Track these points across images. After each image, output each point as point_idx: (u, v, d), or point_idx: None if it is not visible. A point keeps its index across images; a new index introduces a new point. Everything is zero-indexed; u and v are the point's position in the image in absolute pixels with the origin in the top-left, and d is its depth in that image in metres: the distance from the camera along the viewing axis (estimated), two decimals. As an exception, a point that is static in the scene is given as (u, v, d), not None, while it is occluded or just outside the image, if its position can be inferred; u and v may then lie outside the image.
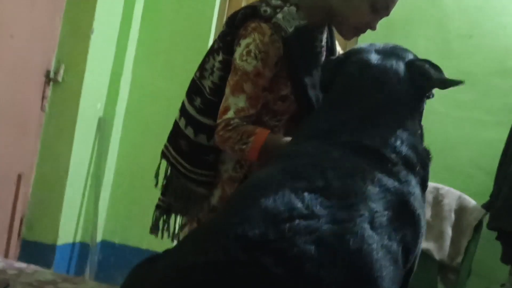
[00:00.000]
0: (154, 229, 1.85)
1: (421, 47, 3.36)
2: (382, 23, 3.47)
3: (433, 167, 3.37)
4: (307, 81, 1.57)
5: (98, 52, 3.35)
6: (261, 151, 1.48)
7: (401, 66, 1.34)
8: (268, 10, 1.54)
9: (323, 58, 1.69)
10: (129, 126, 3.71)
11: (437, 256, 2.88)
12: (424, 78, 1.36)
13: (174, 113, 3.65)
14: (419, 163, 1.22)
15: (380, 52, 1.37)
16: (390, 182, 1.09)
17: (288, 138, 1.51)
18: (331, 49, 1.75)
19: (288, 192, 0.96)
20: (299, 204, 0.93)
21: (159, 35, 3.77)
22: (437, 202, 3.02)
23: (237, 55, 1.55)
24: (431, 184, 3.12)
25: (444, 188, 3.05)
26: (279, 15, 1.53)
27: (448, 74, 3.36)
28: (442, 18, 3.36)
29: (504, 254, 2.77)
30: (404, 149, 1.18)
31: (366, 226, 0.95)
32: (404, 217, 1.07)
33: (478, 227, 2.93)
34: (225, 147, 1.55)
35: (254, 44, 1.52)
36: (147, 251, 3.53)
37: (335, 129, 1.19)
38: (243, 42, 1.54)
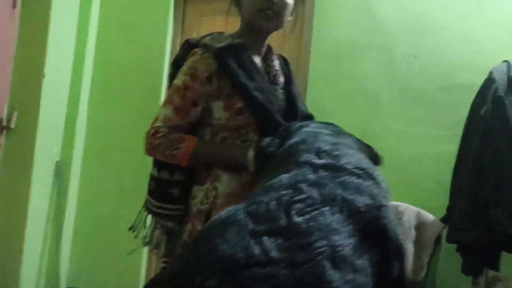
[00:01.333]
0: None
1: (368, 69, 3.47)
2: (330, 48, 3.60)
3: (391, 184, 3.45)
4: (248, 83, 1.62)
5: (51, 96, 3.32)
6: (192, 154, 1.59)
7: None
8: (197, 38, 1.70)
9: (281, 79, 1.76)
10: (88, 168, 3.67)
11: (401, 273, 2.92)
12: None
13: (133, 152, 3.65)
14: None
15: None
16: (361, 201, 1.10)
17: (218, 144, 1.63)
18: (289, 76, 1.81)
19: (247, 236, 0.95)
20: (257, 250, 0.92)
21: (113, 74, 3.78)
22: (397, 219, 3.08)
23: None
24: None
25: (403, 205, 3.11)
26: (207, 38, 1.68)
27: (397, 93, 3.50)
28: (387, 40, 3.47)
29: (464, 266, 2.83)
30: (375, 168, 1.26)
31: (327, 264, 0.94)
32: (373, 235, 1.07)
33: (438, 241, 2.99)
34: (156, 153, 1.64)
35: (186, 65, 1.66)
36: (112, 294, 3.48)
37: (310, 157, 1.22)
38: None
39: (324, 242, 0.97)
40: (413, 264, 2.95)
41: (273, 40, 1.84)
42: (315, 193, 1.08)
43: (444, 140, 3.28)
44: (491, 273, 2.86)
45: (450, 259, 2.98)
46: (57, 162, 3.45)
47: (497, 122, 2.74)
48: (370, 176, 1.19)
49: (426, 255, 2.95)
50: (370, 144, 3.43)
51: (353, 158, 1.23)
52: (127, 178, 3.66)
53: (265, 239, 0.94)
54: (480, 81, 2.96)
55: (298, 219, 1.00)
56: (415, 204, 3.14)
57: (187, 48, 1.71)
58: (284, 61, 1.85)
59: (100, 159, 3.70)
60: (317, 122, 1.48)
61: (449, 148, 3.11)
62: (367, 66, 3.49)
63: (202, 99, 1.63)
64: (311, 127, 1.39)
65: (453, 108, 3.29)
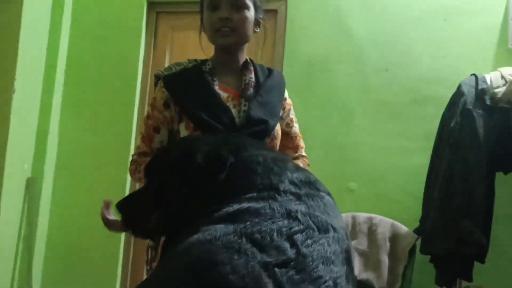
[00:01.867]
0: None
1: (341, 82, 3.51)
2: (303, 62, 3.63)
3: (366, 196, 3.48)
4: (191, 103, 1.69)
5: (22, 111, 3.27)
6: None
7: None
8: (157, 71, 1.86)
9: (250, 92, 1.77)
10: (59, 185, 3.62)
11: (377, 285, 2.94)
12: None
13: (105, 168, 3.63)
14: None
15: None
16: (342, 227, 1.13)
17: None
18: (258, 85, 1.82)
19: (258, 268, 0.90)
20: (270, 284, 0.88)
21: (85, 89, 3.74)
22: (372, 232, 3.10)
23: None
24: (364, 215, 3.24)
25: (377, 218, 3.14)
26: (161, 70, 1.84)
27: (369, 106, 3.54)
28: (359, 55, 3.52)
29: (438, 277, 2.86)
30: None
31: None
32: (350, 260, 1.09)
33: (412, 252, 3.02)
34: (134, 179, 1.81)
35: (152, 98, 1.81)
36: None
37: (285, 185, 1.19)
38: None
39: (328, 275, 0.96)
40: (388, 276, 2.97)
41: (246, 55, 1.87)
42: (310, 223, 1.07)
43: (416, 152, 3.32)
44: (464, 283, 2.90)
45: (424, 270, 3.01)
46: (28, 179, 3.39)
47: (466, 134, 2.79)
48: (330, 196, 1.24)
49: (401, 266, 2.97)
50: (344, 157, 3.49)
51: (319, 183, 1.26)
52: (100, 194, 3.60)
53: (277, 270, 0.91)
54: (449, 94, 3.03)
55: (305, 250, 0.98)
56: (388, 216, 3.17)
57: (156, 81, 1.84)
58: (269, 72, 1.88)
59: (72, 175, 3.64)
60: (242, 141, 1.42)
61: (421, 160, 3.16)
62: (340, 80, 3.52)
63: (163, 125, 1.76)
64: (251, 153, 1.33)
65: (424, 121, 3.33)
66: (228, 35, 1.73)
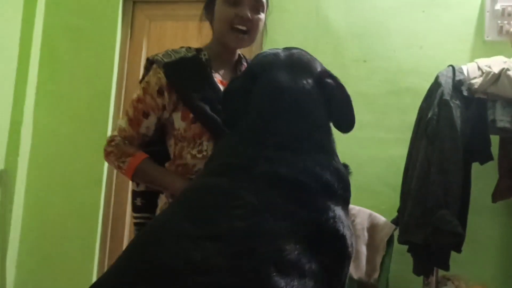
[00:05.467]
0: None
1: (320, 74, 3.50)
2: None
3: (343, 188, 3.47)
4: (193, 95, 1.64)
5: (-6, 102, 3.21)
6: (135, 172, 1.66)
7: (312, 85, 1.34)
8: (153, 55, 1.74)
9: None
10: (34, 177, 3.56)
11: (355, 275, 2.96)
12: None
13: (81, 160, 3.58)
14: (341, 186, 1.21)
15: (288, 66, 1.35)
16: (304, 214, 1.05)
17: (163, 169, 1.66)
18: None
19: (187, 242, 0.90)
20: (198, 257, 0.87)
21: (60, 79, 3.68)
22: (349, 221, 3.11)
23: None
24: (342, 205, 3.22)
25: (355, 208, 3.15)
26: (159, 55, 1.72)
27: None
28: (337, 45, 3.52)
29: (415, 266, 2.89)
30: (324, 175, 1.18)
31: (271, 270, 0.90)
32: (321, 243, 1.04)
33: (390, 242, 3.04)
34: (109, 161, 1.73)
35: (143, 80, 1.73)
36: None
37: (248, 162, 1.14)
38: None
39: (268, 247, 0.94)
40: (366, 266, 2.98)
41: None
42: (252, 200, 1.03)
43: (394, 143, 3.33)
44: (442, 272, 2.93)
45: (402, 260, 3.03)
46: (1, 171, 3.33)
47: (443, 124, 2.81)
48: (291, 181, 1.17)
49: (379, 256, 2.99)
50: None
51: (292, 166, 1.18)
52: (75, 186, 3.56)
53: (207, 244, 0.90)
54: (427, 85, 3.04)
55: (239, 223, 0.96)
56: (367, 206, 3.18)
57: (148, 65, 1.75)
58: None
59: (47, 167, 3.58)
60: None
61: (399, 151, 3.17)
62: (318, 71, 3.52)
63: (154, 111, 1.69)
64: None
65: (402, 112, 3.35)
66: (243, 38, 1.71)
